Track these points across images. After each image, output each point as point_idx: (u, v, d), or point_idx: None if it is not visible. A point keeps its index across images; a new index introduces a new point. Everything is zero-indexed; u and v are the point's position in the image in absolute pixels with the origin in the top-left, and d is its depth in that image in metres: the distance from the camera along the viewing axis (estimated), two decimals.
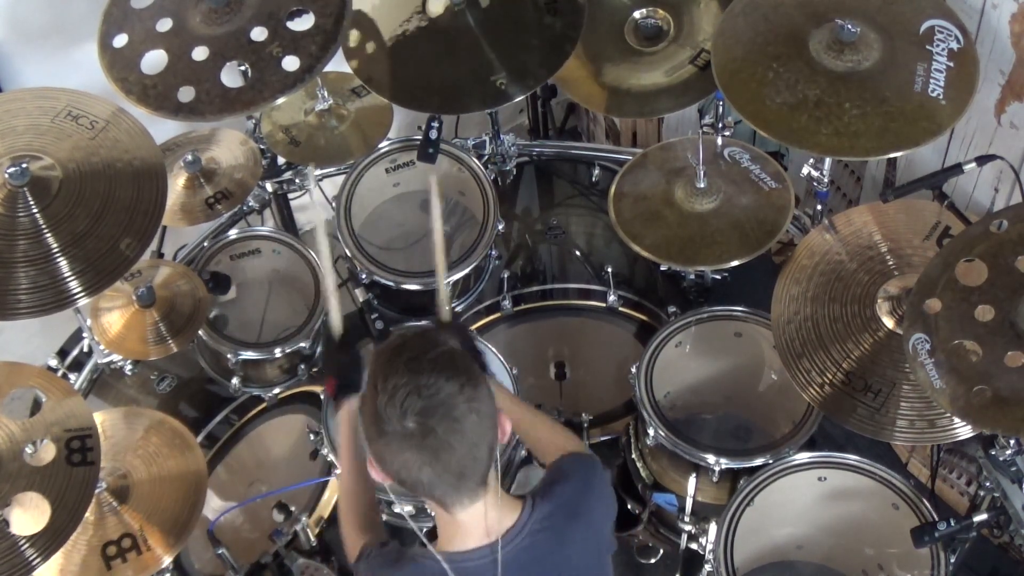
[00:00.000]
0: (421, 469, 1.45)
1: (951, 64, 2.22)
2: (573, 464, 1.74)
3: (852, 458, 2.31)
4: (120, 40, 2.39)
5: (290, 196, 3.04)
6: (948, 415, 2.10)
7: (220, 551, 2.38)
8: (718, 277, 2.76)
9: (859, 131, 2.19)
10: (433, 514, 1.60)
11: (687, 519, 2.40)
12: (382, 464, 1.49)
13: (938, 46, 2.24)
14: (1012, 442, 2.03)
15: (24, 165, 2.07)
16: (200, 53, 2.36)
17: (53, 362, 2.69)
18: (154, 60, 2.37)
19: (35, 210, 2.07)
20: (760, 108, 2.27)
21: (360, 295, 2.60)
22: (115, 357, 2.58)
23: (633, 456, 2.63)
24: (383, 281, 2.71)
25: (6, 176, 2.06)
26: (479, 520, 1.54)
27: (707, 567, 2.28)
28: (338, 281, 2.87)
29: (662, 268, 2.66)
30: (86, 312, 2.47)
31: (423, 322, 2.23)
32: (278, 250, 2.80)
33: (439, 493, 1.49)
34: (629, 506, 2.62)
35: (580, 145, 3.41)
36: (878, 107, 2.20)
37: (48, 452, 2.02)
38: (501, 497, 1.56)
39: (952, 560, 2.27)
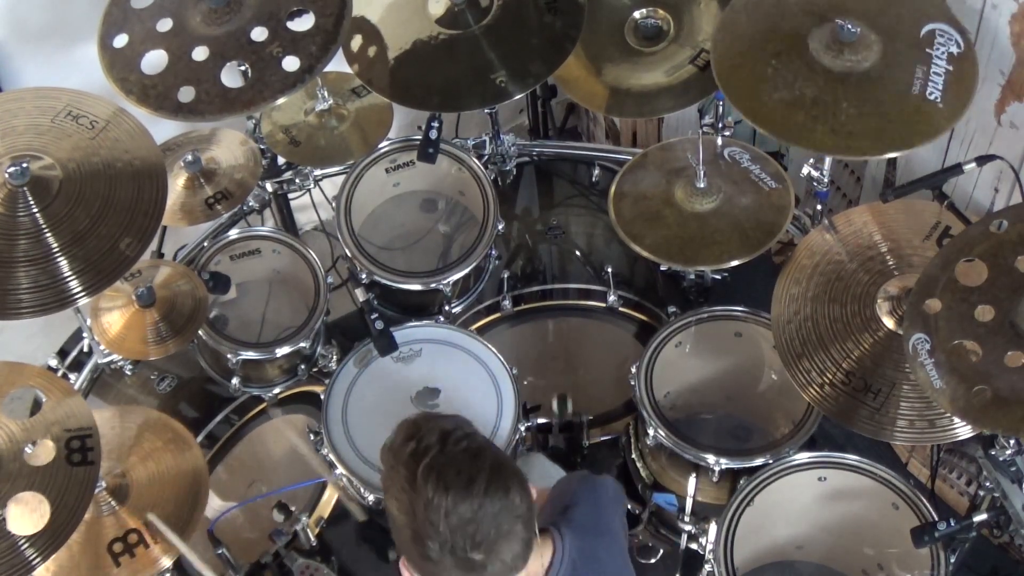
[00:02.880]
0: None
1: (950, 68, 2.22)
2: (574, 485, 1.75)
3: (852, 458, 2.31)
4: (120, 40, 2.39)
5: (290, 196, 3.04)
6: (948, 415, 2.10)
7: (220, 551, 2.38)
8: (718, 277, 2.76)
9: (855, 131, 2.19)
10: None
11: (687, 519, 2.40)
12: None
13: (938, 50, 2.23)
14: (1012, 442, 2.03)
15: (24, 165, 2.07)
16: (200, 53, 2.35)
17: (53, 362, 2.69)
18: (154, 60, 2.37)
19: (35, 210, 2.07)
20: (757, 104, 2.26)
21: (360, 295, 2.60)
22: (115, 357, 2.58)
23: (633, 456, 2.63)
24: (383, 281, 2.71)
25: (6, 176, 2.06)
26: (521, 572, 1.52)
27: (707, 567, 2.28)
28: (338, 281, 2.89)
29: (662, 268, 2.66)
30: (86, 312, 2.47)
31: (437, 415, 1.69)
32: (278, 250, 2.80)
33: None
34: (629, 506, 2.62)
35: (580, 145, 3.41)
36: (875, 108, 2.20)
37: (48, 452, 2.02)
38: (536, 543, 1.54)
39: (952, 560, 2.27)
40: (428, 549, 1.39)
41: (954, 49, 2.24)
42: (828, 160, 2.45)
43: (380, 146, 2.84)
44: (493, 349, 2.58)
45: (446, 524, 1.37)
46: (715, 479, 2.41)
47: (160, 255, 2.73)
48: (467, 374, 2.56)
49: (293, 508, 2.56)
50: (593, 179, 3.04)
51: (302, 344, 2.67)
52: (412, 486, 1.39)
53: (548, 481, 2.15)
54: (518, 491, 1.43)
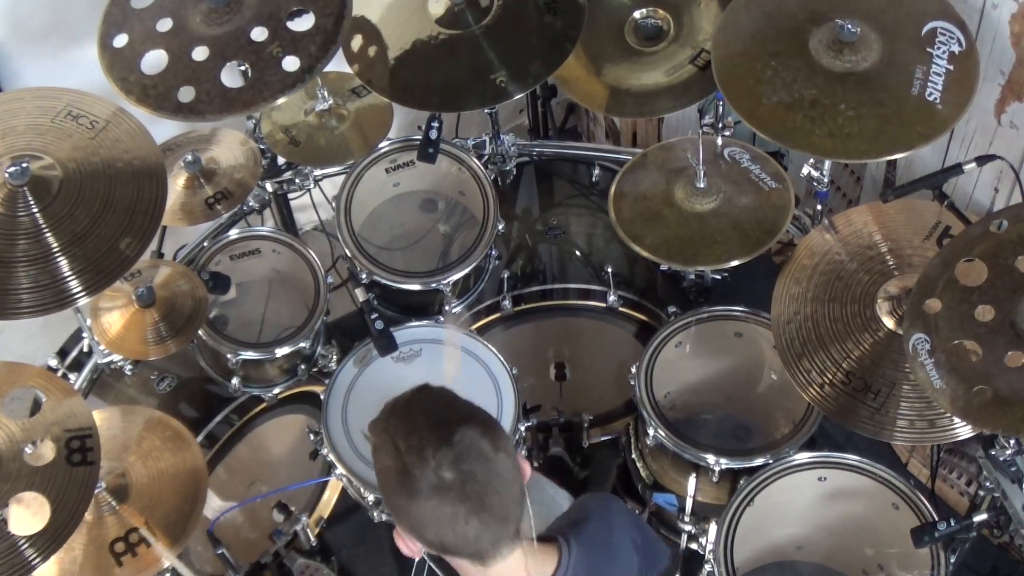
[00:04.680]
0: (468, 521, 1.40)
1: (951, 68, 2.22)
2: (589, 503, 1.76)
3: (852, 458, 2.31)
4: (120, 40, 2.39)
5: (290, 196, 3.04)
6: (948, 415, 2.10)
7: (220, 551, 2.38)
8: (718, 277, 2.76)
9: (853, 133, 2.20)
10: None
11: (687, 519, 2.40)
12: (420, 531, 1.43)
13: (939, 48, 2.23)
14: (1012, 442, 2.04)
15: (24, 165, 2.07)
16: (200, 53, 2.35)
17: (53, 362, 2.69)
18: (154, 60, 2.37)
19: (35, 210, 2.07)
20: (755, 106, 2.27)
21: (360, 295, 2.60)
22: (115, 357, 2.58)
23: (633, 456, 2.63)
24: (383, 281, 2.71)
25: (6, 176, 2.06)
26: (519, 571, 1.51)
27: (707, 567, 2.28)
28: (338, 281, 2.89)
29: (662, 268, 2.66)
30: (86, 312, 2.47)
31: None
32: (278, 250, 2.80)
33: (483, 545, 1.44)
34: (629, 506, 2.63)
35: (580, 145, 3.41)
36: (873, 109, 2.20)
37: (48, 452, 2.02)
38: (536, 544, 1.53)
39: (952, 560, 2.27)
40: (404, 483, 1.40)
41: (956, 48, 2.24)
42: (828, 160, 2.45)
43: (380, 146, 2.84)
44: (493, 349, 2.58)
45: (410, 447, 1.39)
46: (715, 479, 2.41)
47: (160, 255, 2.73)
48: (467, 374, 2.56)
49: (293, 508, 2.56)
50: (593, 179, 3.04)
51: (302, 344, 2.67)
52: (386, 428, 1.45)
53: (551, 507, 2.15)
54: (482, 422, 1.44)
